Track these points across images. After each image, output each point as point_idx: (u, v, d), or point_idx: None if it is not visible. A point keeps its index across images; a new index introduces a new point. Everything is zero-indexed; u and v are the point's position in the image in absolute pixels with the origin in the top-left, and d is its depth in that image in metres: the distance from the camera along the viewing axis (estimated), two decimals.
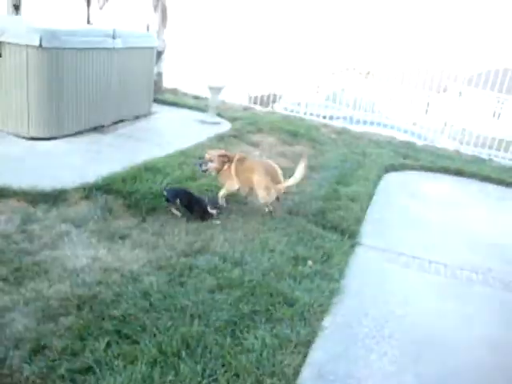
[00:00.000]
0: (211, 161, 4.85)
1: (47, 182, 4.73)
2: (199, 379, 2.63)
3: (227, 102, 10.84)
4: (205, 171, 5.01)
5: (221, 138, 7.35)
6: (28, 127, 6.19)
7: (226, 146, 6.98)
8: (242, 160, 4.93)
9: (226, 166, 4.89)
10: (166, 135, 7.44)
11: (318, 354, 3.09)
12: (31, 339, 2.79)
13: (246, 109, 10.69)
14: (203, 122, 8.48)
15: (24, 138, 6.17)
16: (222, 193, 4.99)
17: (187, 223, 4.52)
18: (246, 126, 8.27)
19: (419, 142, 10.18)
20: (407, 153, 8.74)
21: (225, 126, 8.47)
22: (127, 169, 5.25)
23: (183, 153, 6.40)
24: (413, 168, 8.00)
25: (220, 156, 4.87)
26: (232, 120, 8.95)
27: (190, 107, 9.54)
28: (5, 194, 4.47)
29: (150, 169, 5.36)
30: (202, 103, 9.74)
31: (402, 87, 13.79)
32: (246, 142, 7.57)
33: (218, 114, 8.85)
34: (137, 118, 8.03)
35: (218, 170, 4.94)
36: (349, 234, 4.78)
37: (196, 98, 10.80)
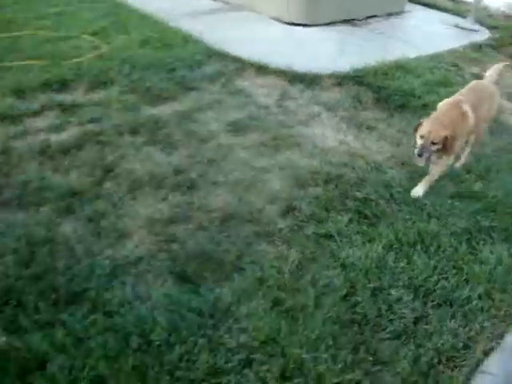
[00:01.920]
0: (434, 143, 3.20)
1: (302, 64, 5.02)
2: (430, 273, 2.72)
3: (489, 7, 9.74)
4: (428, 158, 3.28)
5: (477, 48, 6.75)
6: (288, 13, 6.47)
7: (481, 57, 6.45)
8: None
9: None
10: (418, 36, 7.08)
11: None
12: (284, 199, 3.17)
13: (508, 17, 9.49)
14: (459, 27, 7.83)
15: (283, 22, 6.49)
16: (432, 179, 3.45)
17: None
18: (509, 39, 7.40)
19: None
20: None
21: (482, 35, 7.70)
22: (379, 63, 5.23)
23: (434, 57, 6.09)
24: None
25: (445, 138, 3.20)
26: (491, 29, 8.08)
27: (446, 10, 8.82)
28: (264, 71, 4.89)
29: (401, 67, 5.26)
30: (461, 8, 8.92)
31: None
32: (505, 54, 6.82)
33: (477, 21, 8.05)
34: (389, 15, 7.78)
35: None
36: None
37: (454, 0, 9.93)
